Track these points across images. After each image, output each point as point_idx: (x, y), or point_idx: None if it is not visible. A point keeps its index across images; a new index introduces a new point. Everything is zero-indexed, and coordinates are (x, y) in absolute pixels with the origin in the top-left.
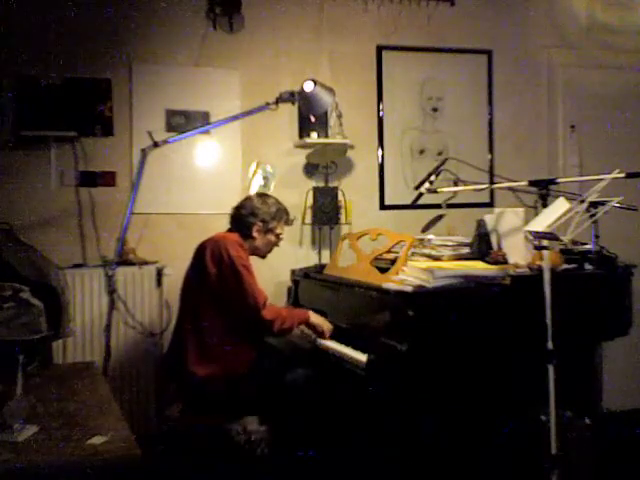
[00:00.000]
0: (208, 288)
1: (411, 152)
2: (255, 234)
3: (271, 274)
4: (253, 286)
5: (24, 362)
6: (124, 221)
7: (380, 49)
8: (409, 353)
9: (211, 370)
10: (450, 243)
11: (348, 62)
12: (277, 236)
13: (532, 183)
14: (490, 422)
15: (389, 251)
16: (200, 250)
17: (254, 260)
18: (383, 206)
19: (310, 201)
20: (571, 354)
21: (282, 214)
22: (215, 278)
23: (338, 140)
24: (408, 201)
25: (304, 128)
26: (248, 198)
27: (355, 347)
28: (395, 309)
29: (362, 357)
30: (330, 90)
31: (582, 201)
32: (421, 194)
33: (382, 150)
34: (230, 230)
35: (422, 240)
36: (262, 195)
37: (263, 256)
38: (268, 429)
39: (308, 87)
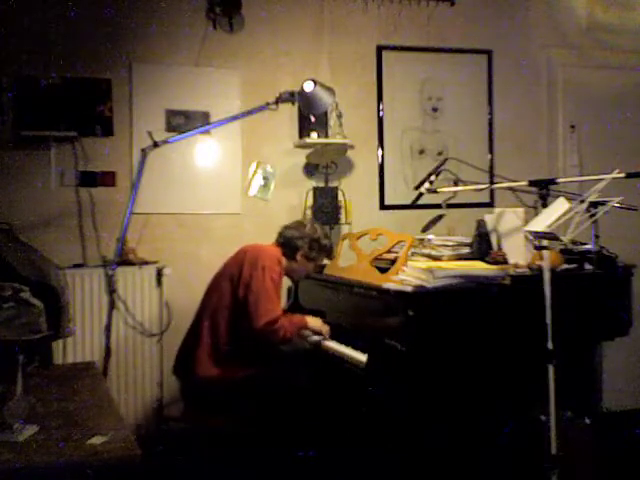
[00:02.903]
0: (236, 289)
1: (411, 152)
2: (299, 258)
3: None
4: (271, 300)
5: (24, 362)
6: (124, 221)
7: (380, 49)
8: (409, 353)
9: (216, 372)
10: (450, 243)
11: (348, 62)
12: (316, 267)
13: (532, 183)
14: (490, 422)
15: (389, 251)
16: (242, 253)
17: None
18: (383, 206)
19: (310, 201)
20: (571, 354)
21: (329, 250)
22: (245, 282)
23: (338, 140)
24: (408, 201)
25: (304, 128)
26: (302, 223)
27: (355, 347)
28: (395, 309)
29: (362, 357)
30: (330, 90)
31: (582, 201)
32: (421, 194)
33: (382, 150)
34: (275, 245)
35: (422, 240)
36: (315, 223)
37: (295, 280)
38: (268, 429)
39: (308, 87)
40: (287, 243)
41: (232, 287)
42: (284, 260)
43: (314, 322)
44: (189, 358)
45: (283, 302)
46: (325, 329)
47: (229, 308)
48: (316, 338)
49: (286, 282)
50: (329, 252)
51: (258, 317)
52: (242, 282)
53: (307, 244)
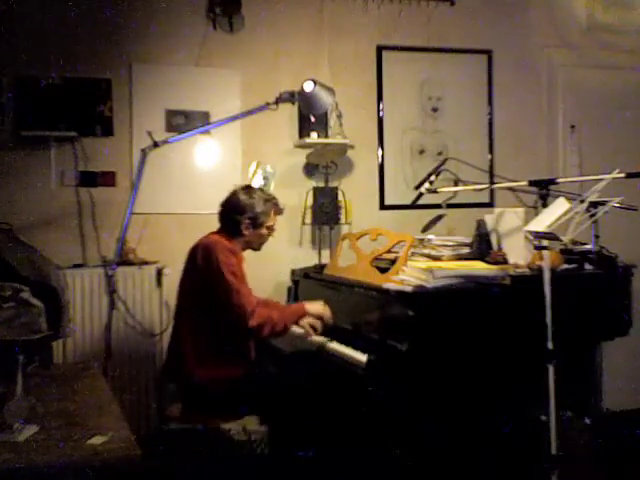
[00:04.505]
0: (201, 291)
1: (411, 152)
2: (245, 232)
3: (271, 274)
4: (241, 295)
5: (24, 362)
6: (124, 221)
7: (380, 49)
8: (409, 353)
9: (210, 372)
10: (450, 243)
11: (348, 62)
12: (269, 228)
13: (532, 183)
14: (490, 422)
15: (389, 251)
16: (192, 252)
17: (254, 260)
18: (383, 206)
19: (310, 201)
20: (571, 354)
21: (270, 206)
22: (206, 282)
23: (338, 140)
24: (408, 201)
25: (304, 128)
26: (234, 193)
27: (355, 347)
28: (395, 309)
29: (362, 357)
30: (330, 90)
31: (582, 201)
32: (421, 194)
33: (382, 150)
34: (220, 229)
35: (422, 240)
36: (247, 188)
37: (257, 249)
38: (268, 429)
39: (308, 87)
40: (227, 222)
41: (197, 290)
42: (234, 241)
43: (314, 307)
44: (179, 365)
45: (283, 302)
46: (327, 313)
47: (202, 312)
48: (318, 339)
49: (286, 282)
50: (274, 208)
51: (238, 317)
52: (204, 283)
53: (246, 214)
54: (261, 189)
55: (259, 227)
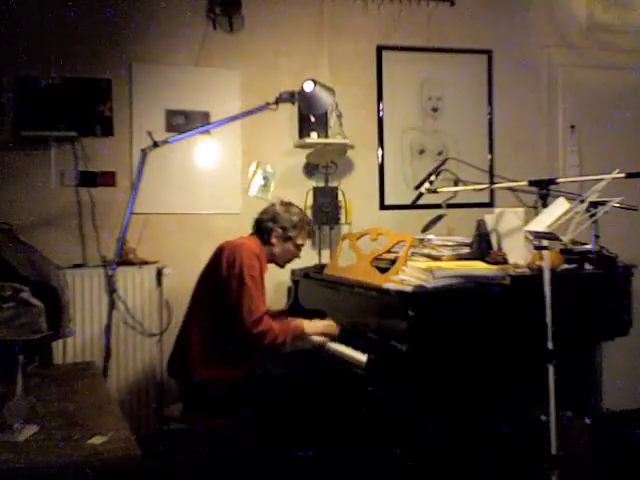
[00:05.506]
0: (217, 290)
1: (411, 152)
2: (274, 240)
3: (271, 274)
4: (254, 299)
5: (24, 362)
6: (124, 221)
7: (380, 49)
8: (409, 353)
9: (213, 372)
10: (450, 243)
11: (348, 62)
12: (297, 246)
13: (532, 183)
14: (490, 422)
15: (389, 251)
16: (218, 251)
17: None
18: (383, 206)
19: (310, 201)
20: (571, 354)
21: (303, 225)
22: (224, 281)
23: (338, 140)
24: (408, 201)
25: (304, 128)
26: (272, 204)
27: (355, 347)
28: (395, 309)
29: (362, 357)
30: (330, 90)
31: (582, 201)
32: (421, 194)
33: (382, 150)
34: (252, 234)
35: (422, 240)
36: (287, 203)
37: (282, 265)
38: (268, 429)
39: (308, 87)
40: (259, 228)
41: (214, 288)
42: (263, 249)
43: (313, 328)
44: (183, 361)
45: (283, 302)
46: (330, 329)
47: (215, 310)
48: (319, 339)
49: (286, 282)
50: (306, 228)
51: (243, 319)
52: (222, 283)
53: (278, 224)
54: (300, 208)
55: (288, 241)
